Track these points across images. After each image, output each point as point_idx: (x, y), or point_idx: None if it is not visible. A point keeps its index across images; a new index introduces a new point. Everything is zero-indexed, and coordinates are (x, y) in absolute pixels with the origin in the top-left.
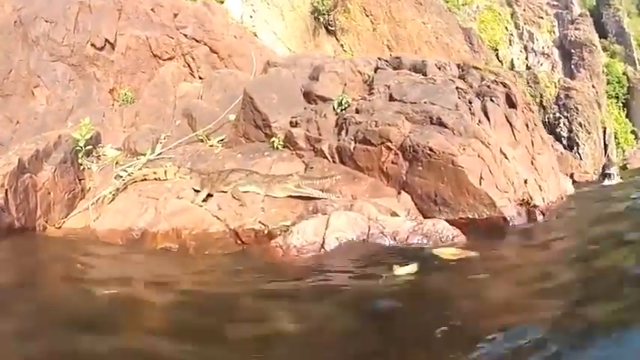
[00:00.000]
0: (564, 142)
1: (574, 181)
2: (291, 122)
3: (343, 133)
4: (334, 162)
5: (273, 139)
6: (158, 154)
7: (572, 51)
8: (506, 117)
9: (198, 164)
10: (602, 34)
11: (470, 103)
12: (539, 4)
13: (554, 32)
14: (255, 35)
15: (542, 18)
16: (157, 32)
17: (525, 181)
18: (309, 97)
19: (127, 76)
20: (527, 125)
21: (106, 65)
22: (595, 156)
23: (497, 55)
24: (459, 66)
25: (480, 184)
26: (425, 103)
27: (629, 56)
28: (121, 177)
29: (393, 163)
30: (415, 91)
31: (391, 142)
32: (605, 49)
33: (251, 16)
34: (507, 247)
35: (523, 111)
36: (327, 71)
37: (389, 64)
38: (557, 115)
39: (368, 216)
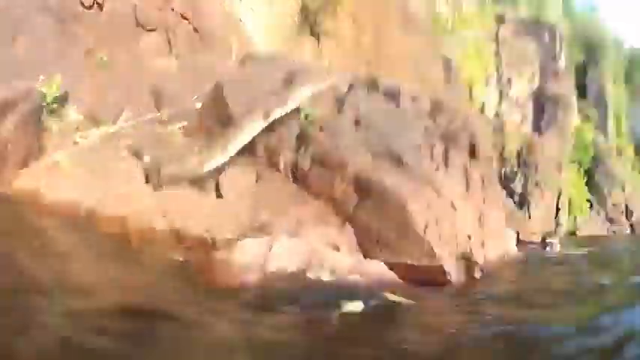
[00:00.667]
0: (516, 198)
1: (519, 241)
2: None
3: (302, 149)
4: (287, 177)
5: None
6: (118, 128)
7: (546, 106)
8: (464, 167)
9: (153, 150)
10: (582, 94)
11: (433, 146)
12: (525, 50)
13: (533, 82)
14: (241, 21)
15: (524, 64)
16: (146, 1)
17: (469, 237)
18: (279, 100)
19: (108, 40)
20: (483, 180)
21: (90, 25)
22: (545, 217)
23: (470, 94)
24: (432, 101)
25: (425, 232)
26: (390, 137)
27: (602, 124)
28: (78, 144)
29: (344, 192)
30: (383, 121)
31: (347, 171)
32: (580, 110)
33: (240, 0)
34: (441, 302)
35: (483, 164)
36: (301, 79)
37: (364, 83)
38: (515, 169)
39: (310, 246)
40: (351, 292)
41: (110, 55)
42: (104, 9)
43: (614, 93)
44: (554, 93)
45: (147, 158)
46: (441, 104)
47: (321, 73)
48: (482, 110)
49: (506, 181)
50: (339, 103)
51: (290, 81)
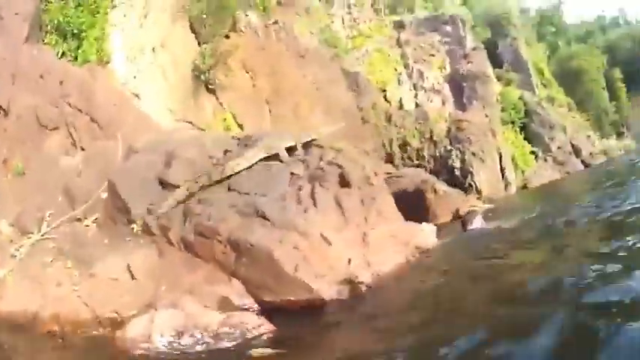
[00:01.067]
0: (457, 172)
1: (459, 217)
2: (148, 209)
3: (187, 223)
4: (181, 250)
5: (133, 225)
6: (43, 234)
7: (464, 84)
8: (336, 199)
9: (76, 249)
10: (498, 64)
11: (300, 189)
12: (431, 43)
13: (445, 68)
14: (137, 97)
15: (433, 56)
16: (44, 100)
17: (349, 261)
18: (162, 184)
19: (18, 146)
20: (362, 201)
21: (1, 134)
22: (492, 181)
23: (385, 96)
24: (303, 145)
25: (296, 271)
26: (255, 194)
27: (526, 82)
28: (15, 256)
29: (223, 253)
30: (250, 181)
31: (220, 236)
32: (499, 78)
33: (135, 77)
34: (316, 332)
35: (359, 187)
36: (179, 157)
37: (240, 142)
38: (449, 147)
39: (186, 311)
40: (225, 354)
41: (24, 159)
42: (9, 115)
43: (531, 53)
44: (467, 72)
45: (69, 261)
46: (309, 145)
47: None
48: (400, 107)
49: (443, 161)
50: (220, 167)
51: (169, 162)
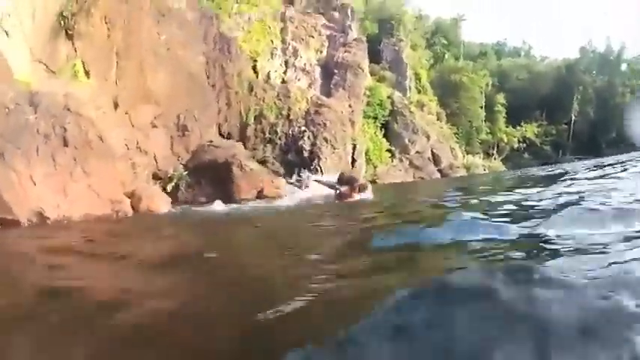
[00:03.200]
0: (306, 154)
1: (264, 196)
2: None
3: None
4: None
5: None
6: None
7: (336, 71)
8: (52, 154)
9: None
10: (377, 60)
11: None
12: (314, 24)
13: (321, 52)
14: (7, 34)
15: (312, 37)
16: None
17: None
18: None
19: None
20: (75, 159)
21: None
22: (339, 169)
23: (255, 66)
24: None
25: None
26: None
27: (401, 83)
28: None
29: None
30: (7, 127)
31: None
32: (374, 73)
33: (8, 14)
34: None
35: (76, 148)
36: None
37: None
38: (303, 128)
39: None
40: None
41: None
42: None
43: (414, 57)
44: (343, 60)
45: None
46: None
47: None
48: (267, 80)
49: (294, 140)
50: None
51: None
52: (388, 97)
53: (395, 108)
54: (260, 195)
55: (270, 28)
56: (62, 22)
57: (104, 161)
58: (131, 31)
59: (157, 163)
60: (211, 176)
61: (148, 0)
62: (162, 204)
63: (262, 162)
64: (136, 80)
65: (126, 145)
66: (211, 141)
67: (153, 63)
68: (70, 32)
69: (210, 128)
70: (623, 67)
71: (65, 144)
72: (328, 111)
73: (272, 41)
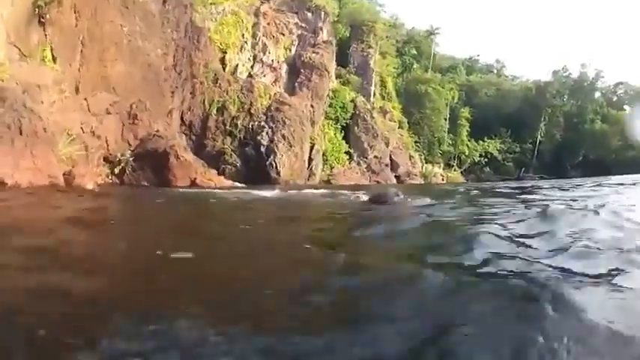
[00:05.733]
0: (263, 149)
1: (196, 185)
2: None
3: None
4: None
5: None
6: None
7: (302, 71)
8: (12, 139)
9: None
10: (345, 63)
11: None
12: (287, 22)
13: (290, 50)
14: None
15: (283, 35)
16: None
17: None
18: None
19: None
20: (26, 144)
21: None
22: (294, 167)
23: (223, 58)
24: None
25: None
26: None
27: (365, 88)
28: None
29: None
30: None
31: None
32: (339, 76)
33: None
34: None
35: (27, 136)
36: None
37: None
38: (263, 124)
39: None
40: None
41: None
42: None
43: (382, 64)
44: (310, 60)
45: None
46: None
47: None
48: (233, 72)
49: (253, 135)
50: None
51: None
52: (351, 101)
53: (357, 112)
54: (193, 184)
55: (243, 21)
56: (37, 9)
57: (47, 147)
58: (97, 21)
59: (108, 147)
60: (152, 163)
61: None
62: (88, 182)
63: (221, 153)
64: (96, 68)
65: (82, 128)
66: (157, 130)
67: (114, 53)
68: (42, 19)
69: (160, 118)
70: (597, 94)
71: (21, 133)
72: (289, 109)
73: (243, 35)
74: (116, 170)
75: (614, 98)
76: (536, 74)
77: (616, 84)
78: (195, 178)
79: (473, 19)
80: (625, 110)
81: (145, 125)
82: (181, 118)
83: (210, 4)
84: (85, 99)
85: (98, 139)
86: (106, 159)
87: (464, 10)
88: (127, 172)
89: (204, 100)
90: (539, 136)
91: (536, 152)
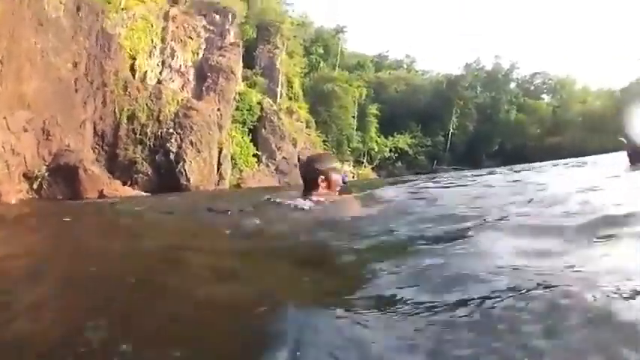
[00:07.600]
0: (172, 156)
1: (104, 196)
2: None
3: None
4: None
5: None
6: None
7: (209, 75)
8: None
9: None
10: (251, 65)
11: None
12: (195, 25)
13: (198, 54)
14: None
15: (191, 38)
16: None
17: None
18: None
19: None
20: None
21: None
22: (204, 172)
23: (133, 65)
24: None
25: None
26: None
27: (272, 89)
28: None
29: None
30: None
31: None
32: (246, 78)
33: None
34: None
35: None
36: None
37: None
38: (171, 131)
39: None
40: None
41: None
42: None
43: (289, 64)
44: (217, 63)
45: None
46: None
47: None
48: (143, 79)
49: (163, 142)
50: None
51: None
52: (258, 103)
53: (264, 114)
54: (101, 195)
55: (152, 26)
56: None
57: None
58: (14, 39)
59: (26, 163)
60: (64, 177)
61: (30, 11)
62: (11, 197)
63: (132, 162)
64: (13, 87)
65: (3, 147)
66: (68, 145)
67: (29, 70)
68: None
69: (72, 131)
70: (512, 85)
71: None
72: (196, 114)
73: (152, 40)
74: (34, 185)
75: (531, 88)
76: (450, 69)
77: (532, 74)
78: (102, 190)
79: (385, 15)
80: (543, 99)
81: (57, 140)
82: (94, 129)
83: (122, 9)
84: (5, 117)
85: (18, 156)
86: (25, 175)
87: (376, 7)
88: (44, 186)
89: (114, 109)
90: (451, 129)
91: (448, 144)
